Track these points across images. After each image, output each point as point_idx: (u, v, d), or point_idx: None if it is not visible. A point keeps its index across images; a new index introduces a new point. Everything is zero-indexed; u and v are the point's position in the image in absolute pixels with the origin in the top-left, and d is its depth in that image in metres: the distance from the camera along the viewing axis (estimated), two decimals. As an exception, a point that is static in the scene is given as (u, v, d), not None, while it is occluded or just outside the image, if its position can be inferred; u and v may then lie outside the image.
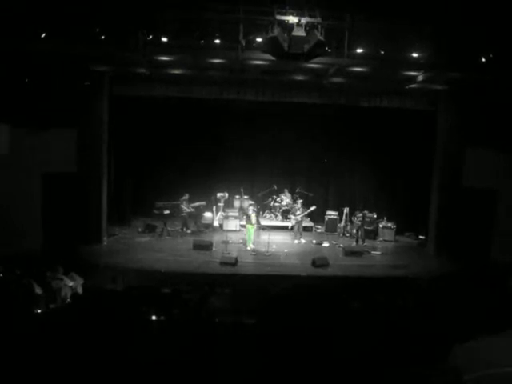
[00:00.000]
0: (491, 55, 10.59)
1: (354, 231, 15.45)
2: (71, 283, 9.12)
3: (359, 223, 15.22)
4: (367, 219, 15.61)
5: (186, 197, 15.43)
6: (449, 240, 13.85)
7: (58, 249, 11.86)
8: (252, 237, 13.78)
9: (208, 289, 8.72)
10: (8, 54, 10.65)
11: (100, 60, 12.42)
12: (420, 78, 12.35)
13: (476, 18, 9.81)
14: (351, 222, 15.97)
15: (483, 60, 10.67)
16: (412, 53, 10.90)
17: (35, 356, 4.45)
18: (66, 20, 10.00)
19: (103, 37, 10.39)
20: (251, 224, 13.69)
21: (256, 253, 13.42)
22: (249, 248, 13.66)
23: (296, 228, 15.03)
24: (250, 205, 14.62)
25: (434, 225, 14.61)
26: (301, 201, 15.83)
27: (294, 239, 14.97)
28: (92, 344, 4.67)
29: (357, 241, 15.11)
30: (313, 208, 15.27)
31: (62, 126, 12.81)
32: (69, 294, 8.60)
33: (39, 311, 7.19)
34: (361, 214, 15.26)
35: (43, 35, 10.08)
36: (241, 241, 14.31)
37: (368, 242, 15.37)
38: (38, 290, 8.14)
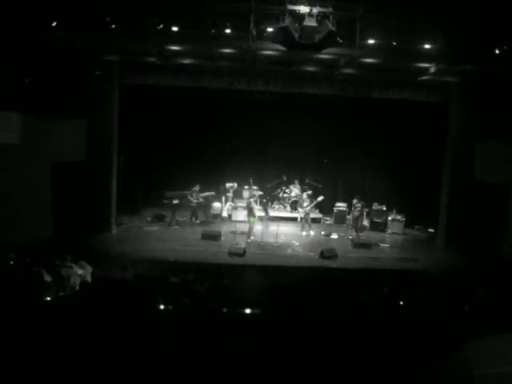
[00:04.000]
0: (505, 47, 10.41)
1: (352, 221, 15.41)
2: (80, 271, 9.18)
3: (357, 213, 15.17)
4: (364, 209, 15.48)
5: (197, 187, 15.47)
6: (458, 234, 13.75)
7: (67, 237, 11.95)
8: (254, 229, 13.73)
9: (217, 279, 8.75)
10: (20, 42, 10.67)
11: (111, 49, 12.41)
12: (432, 69, 12.18)
13: (490, 9, 9.64)
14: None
15: (497, 52, 10.50)
16: (424, 44, 10.75)
17: (45, 342, 4.50)
18: (77, 9, 9.99)
19: (114, 26, 10.37)
20: (253, 216, 13.68)
21: (253, 243, 13.37)
22: (249, 240, 13.63)
23: (304, 220, 15.01)
24: (251, 197, 14.54)
25: (444, 218, 14.52)
26: (308, 192, 15.77)
27: (302, 231, 14.96)
28: (100, 332, 4.70)
29: (356, 230, 15.05)
30: (320, 198, 15.21)
31: (72, 116, 12.85)
32: (78, 282, 8.67)
33: (48, 299, 7.26)
34: (360, 204, 15.19)
35: (54, 24, 10.09)
36: (246, 232, 14.32)
37: (377, 235, 15.33)
38: (48, 278, 8.21)
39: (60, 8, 9.85)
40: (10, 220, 11.49)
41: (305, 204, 14.96)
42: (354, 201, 16.12)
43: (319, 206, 16.21)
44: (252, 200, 14.18)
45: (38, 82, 11.94)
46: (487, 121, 13.06)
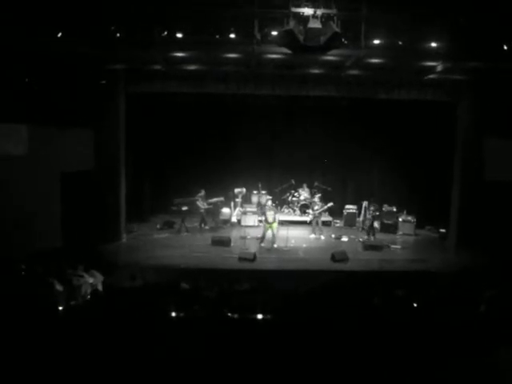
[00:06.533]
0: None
1: (366, 223, 15.31)
2: (91, 280, 9.19)
3: (372, 216, 15.09)
4: (377, 212, 15.41)
5: (202, 193, 15.45)
6: (470, 234, 13.57)
7: (78, 247, 11.96)
8: (266, 234, 13.67)
9: (227, 285, 8.70)
10: (25, 53, 10.72)
11: (115, 58, 12.45)
12: (439, 68, 12.09)
13: (497, 4, 9.54)
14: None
15: (505, 48, 10.37)
16: (431, 42, 10.66)
17: (57, 351, 4.48)
18: (81, 19, 10.03)
19: (118, 35, 10.41)
20: (268, 223, 13.63)
21: (267, 248, 13.33)
22: (262, 244, 13.60)
23: (314, 223, 14.95)
24: (265, 204, 14.53)
25: (455, 218, 14.34)
26: (319, 195, 15.74)
27: (312, 234, 14.89)
28: (112, 340, 4.67)
29: (368, 233, 14.93)
30: (330, 204, 15.17)
31: (79, 125, 12.87)
32: (89, 291, 8.66)
33: (60, 308, 7.25)
34: (372, 207, 15.13)
35: (59, 35, 10.13)
36: (259, 236, 14.26)
37: (388, 236, 15.21)
38: (59, 287, 8.21)
39: (64, 18, 9.89)
40: (20, 230, 11.52)
41: (316, 207, 14.94)
42: (364, 203, 16.00)
43: (329, 210, 16.12)
44: (267, 207, 14.25)
45: (44, 93, 11.97)
46: (497, 118, 12.90)
